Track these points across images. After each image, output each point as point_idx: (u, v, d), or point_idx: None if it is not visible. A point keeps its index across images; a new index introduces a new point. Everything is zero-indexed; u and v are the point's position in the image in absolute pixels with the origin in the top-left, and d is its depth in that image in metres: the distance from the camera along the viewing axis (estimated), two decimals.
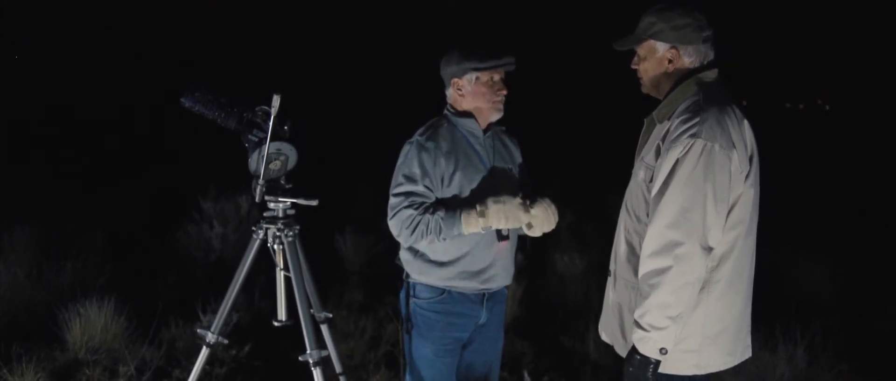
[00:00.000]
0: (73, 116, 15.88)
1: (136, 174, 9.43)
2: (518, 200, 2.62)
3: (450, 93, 2.80)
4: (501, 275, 2.82)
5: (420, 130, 2.77)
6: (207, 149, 9.08)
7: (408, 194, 2.65)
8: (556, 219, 2.70)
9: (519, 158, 2.90)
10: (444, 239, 2.63)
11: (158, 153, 11.55)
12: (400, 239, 2.70)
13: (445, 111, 2.82)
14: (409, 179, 2.67)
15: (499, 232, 2.72)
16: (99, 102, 19.20)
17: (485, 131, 2.79)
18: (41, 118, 15.35)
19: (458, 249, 2.71)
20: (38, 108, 17.04)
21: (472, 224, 2.59)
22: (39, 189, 7.75)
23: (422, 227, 2.61)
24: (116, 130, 14.13)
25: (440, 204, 2.67)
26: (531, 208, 2.64)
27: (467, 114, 2.77)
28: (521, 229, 2.74)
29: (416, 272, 2.78)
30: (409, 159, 2.69)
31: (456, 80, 2.75)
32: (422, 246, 2.74)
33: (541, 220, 2.66)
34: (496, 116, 2.79)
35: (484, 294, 2.81)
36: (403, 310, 2.87)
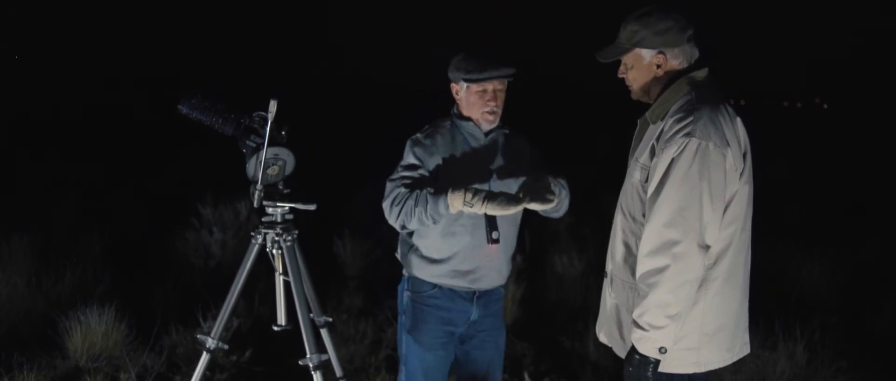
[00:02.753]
0: (70, 123, 15.87)
1: (134, 181, 9.42)
2: (505, 195, 2.55)
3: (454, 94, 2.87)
4: (491, 276, 2.85)
5: (424, 128, 2.84)
6: (206, 155, 9.09)
7: (402, 178, 2.72)
8: (547, 193, 2.57)
9: (527, 157, 2.89)
10: (432, 218, 2.61)
11: (157, 160, 11.54)
12: (390, 219, 2.71)
13: (452, 110, 2.87)
14: (405, 168, 2.74)
15: (489, 235, 2.73)
16: (96, 108, 19.19)
17: (486, 134, 2.82)
18: (38, 125, 15.34)
19: (449, 248, 2.75)
20: (35, 114, 17.03)
21: (456, 203, 2.56)
22: (37, 197, 7.74)
23: (410, 201, 2.62)
24: (114, 136, 14.13)
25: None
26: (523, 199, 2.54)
27: (468, 117, 2.81)
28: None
29: (411, 267, 2.85)
30: (406, 154, 2.78)
31: (453, 84, 2.83)
32: (414, 238, 2.79)
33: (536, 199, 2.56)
34: (487, 127, 2.81)
35: (474, 292, 2.84)
36: (400, 302, 2.92)
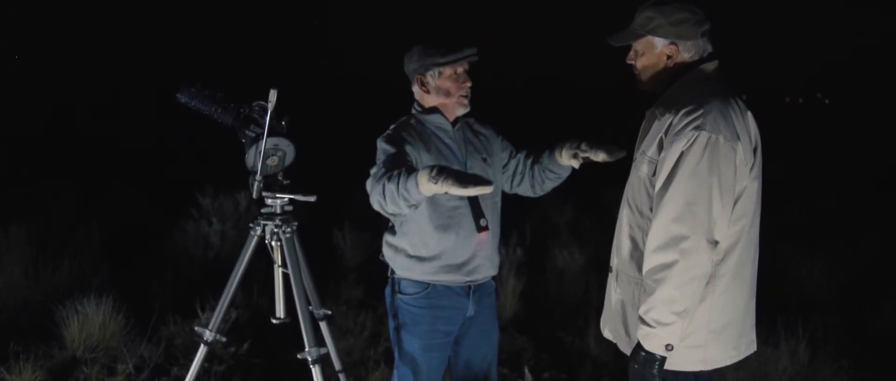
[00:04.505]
0: (69, 114, 15.84)
1: (133, 172, 9.40)
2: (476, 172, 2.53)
3: (415, 90, 2.80)
4: (485, 266, 2.79)
5: (389, 128, 2.77)
6: (205, 145, 9.07)
7: (385, 162, 2.57)
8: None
9: (495, 145, 2.88)
10: (403, 197, 2.37)
11: (156, 150, 11.51)
12: (372, 198, 2.52)
13: (413, 110, 2.82)
14: (387, 154, 2.62)
15: (477, 223, 2.69)
16: (95, 99, 19.16)
17: (453, 124, 2.78)
18: (36, 117, 15.31)
19: (438, 244, 2.68)
20: (32, 107, 17.00)
21: (422, 180, 2.29)
22: (35, 188, 7.72)
23: (384, 180, 2.43)
24: (113, 126, 14.10)
25: None
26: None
27: (434, 110, 2.76)
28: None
29: (400, 268, 2.76)
30: (381, 149, 2.67)
31: (419, 76, 2.76)
32: (401, 239, 2.72)
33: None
34: (462, 111, 2.78)
35: (469, 287, 2.79)
36: (389, 306, 2.85)
